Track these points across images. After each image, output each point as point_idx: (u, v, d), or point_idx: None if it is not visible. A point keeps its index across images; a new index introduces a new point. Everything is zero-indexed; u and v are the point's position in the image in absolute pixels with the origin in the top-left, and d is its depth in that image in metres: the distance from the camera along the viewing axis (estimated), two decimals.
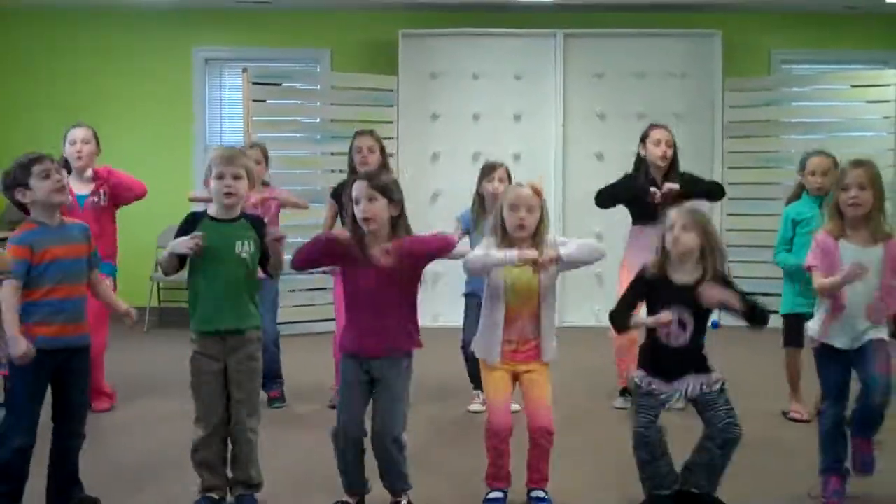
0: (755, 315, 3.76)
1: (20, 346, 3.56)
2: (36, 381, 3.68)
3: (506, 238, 3.86)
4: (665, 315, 3.74)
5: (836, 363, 3.92)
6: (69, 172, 5.26)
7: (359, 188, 3.67)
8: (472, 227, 5.46)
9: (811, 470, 4.05)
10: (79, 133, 5.40)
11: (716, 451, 3.77)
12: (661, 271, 3.84)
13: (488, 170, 5.45)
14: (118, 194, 5.46)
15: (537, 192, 3.85)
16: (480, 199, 5.48)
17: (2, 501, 3.66)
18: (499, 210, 3.90)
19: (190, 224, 3.81)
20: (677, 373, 3.82)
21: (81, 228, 3.88)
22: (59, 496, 3.81)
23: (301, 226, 7.71)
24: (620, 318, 3.92)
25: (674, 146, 5.48)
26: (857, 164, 3.87)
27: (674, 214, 3.83)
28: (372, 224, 3.65)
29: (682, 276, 3.81)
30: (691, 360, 3.83)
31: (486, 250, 3.86)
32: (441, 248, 3.81)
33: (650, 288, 3.88)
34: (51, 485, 3.81)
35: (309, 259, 3.80)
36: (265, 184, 5.70)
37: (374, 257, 3.67)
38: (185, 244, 3.69)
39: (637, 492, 3.95)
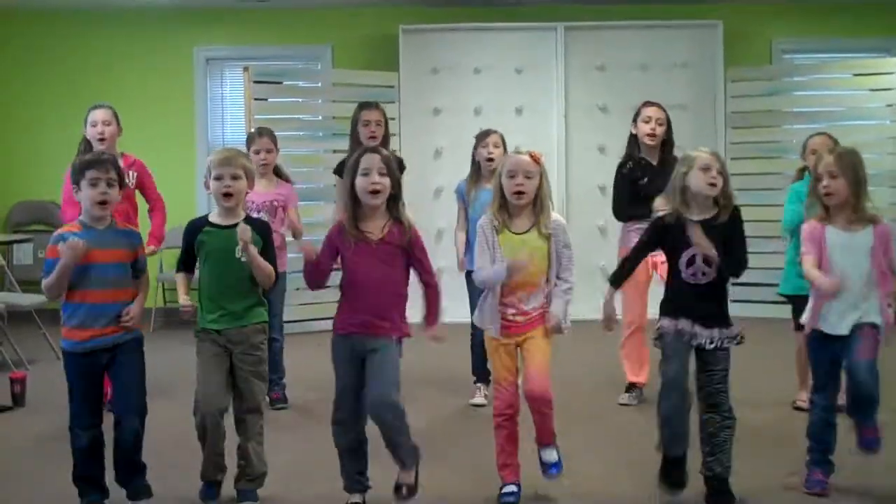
0: (727, 267, 3.84)
1: (70, 249, 3.60)
2: (81, 380, 3.75)
3: (504, 210, 3.86)
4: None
5: (827, 351, 3.91)
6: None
7: (372, 161, 3.71)
8: (465, 195, 5.48)
9: None
10: (99, 114, 5.40)
11: (704, 416, 3.82)
12: (678, 213, 3.86)
13: (482, 136, 5.50)
14: (143, 185, 5.55)
15: (535, 160, 3.84)
16: (476, 166, 5.51)
17: (85, 487, 3.80)
18: (497, 178, 3.90)
19: (191, 232, 3.87)
20: (704, 317, 3.82)
21: (130, 235, 3.88)
22: (122, 482, 3.87)
23: (306, 224, 7.74)
24: (622, 270, 4.05)
25: (667, 125, 5.46)
26: (830, 152, 3.90)
27: (708, 157, 3.85)
28: (379, 197, 3.71)
29: (701, 213, 3.85)
30: (717, 303, 3.85)
31: (485, 230, 3.87)
32: (428, 277, 3.83)
33: (668, 232, 3.89)
34: (116, 471, 3.87)
35: (317, 280, 3.82)
36: (277, 173, 5.68)
37: (365, 230, 3.72)
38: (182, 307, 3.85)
39: (644, 485, 3.97)
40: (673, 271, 3.91)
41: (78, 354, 3.74)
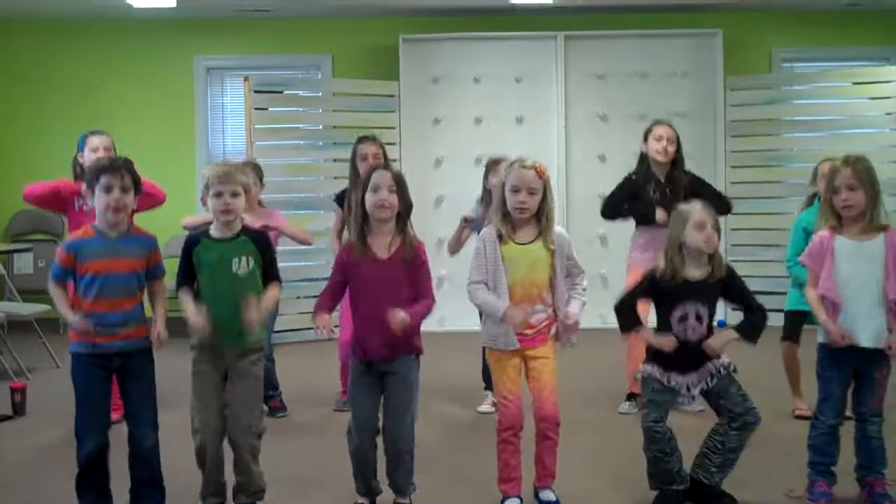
0: (751, 333, 3.90)
1: (77, 324, 3.61)
2: (90, 383, 3.69)
3: (507, 220, 3.84)
4: (669, 342, 3.82)
5: (840, 367, 3.87)
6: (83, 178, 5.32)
7: (383, 177, 3.76)
8: (480, 224, 5.46)
9: None
10: (101, 141, 5.37)
11: (732, 433, 3.82)
12: (672, 269, 3.86)
13: (492, 164, 5.48)
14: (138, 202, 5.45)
15: (540, 173, 3.80)
16: (487, 196, 5.50)
17: (91, 496, 3.75)
18: (500, 190, 3.87)
19: (190, 245, 3.86)
20: (694, 364, 3.85)
21: (144, 242, 3.81)
22: (137, 500, 3.82)
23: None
24: (627, 316, 3.96)
25: (677, 144, 5.49)
26: (846, 163, 3.87)
27: (701, 213, 3.87)
28: (387, 212, 3.74)
29: (694, 271, 3.86)
30: (705, 351, 3.86)
31: (486, 243, 3.84)
32: (424, 308, 3.79)
33: (660, 287, 3.90)
34: (132, 487, 3.83)
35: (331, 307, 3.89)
36: (261, 205, 5.67)
37: (374, 246, 3.75)
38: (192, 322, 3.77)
39: (646, 494, 3.95)
40: (662, 324, 3.92)
41: (86, 355, 3.69)
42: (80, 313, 3.64)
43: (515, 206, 3.79)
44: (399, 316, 3.64)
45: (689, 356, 3.85)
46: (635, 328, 3.95)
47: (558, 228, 3.89)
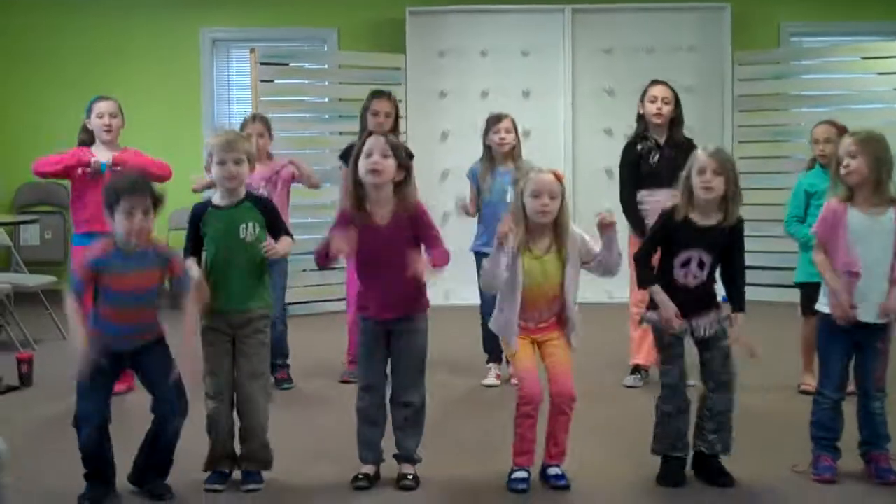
0: (742, 304, 3.92)
1: (81, 355, 3.56)
2: (97, 372, 3.66)
3: (526, 224, 3.83)
4: (676, 322, 3.83)
5: (842, 339, 3.88)
6: (93, 143, 5.33)
7: (375, 143, 3.76)
8: (479, 180, 5.47)
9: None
10: (107, 106, 5.39)
11: (715, 396, 3.83)
12: (684, 213, 3.86)
13: (493, 121, 5.48)
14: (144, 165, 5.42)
15: (559, 178, 3.83)
16: (487, 151, 5.49)
17: (93, 483, 3.73)
18: (519, 196, 3.87)
19: (195, 216, 3.88)
20: (693, 310, 3.86)
21: (161, 255, 3.74)
22: (140, 475, 3.83)
23: (312, 205, 7.74)
24: (645, 269, 3.98)
25: (675, 103, 5.41)
26: (849, 134, 3.91)
27: (705, 158, 3.83)
28: (378, 177, 3.73)
29: (705, 218, 3.86)
30: (706, 296, 3.88)
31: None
32: (441, 255, 3.83)
33: (669, 229, 3.90)
34: (139, 460, 3.83)
35: (327, 258, 3.89)
36: (270, 157, 5.66)
37: (373, 215, 3.76)
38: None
39: (651, 468, 3.96)
40: (664, 266, 3.91)
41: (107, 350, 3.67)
42: (92, 343, 3.59)
43: (538, 210, 3.78)
44: (419, 267, 3.69)
45: (688, 301, 3.85)
46: (650, 284, 3.93)
47: (572, 227, 3.89)
